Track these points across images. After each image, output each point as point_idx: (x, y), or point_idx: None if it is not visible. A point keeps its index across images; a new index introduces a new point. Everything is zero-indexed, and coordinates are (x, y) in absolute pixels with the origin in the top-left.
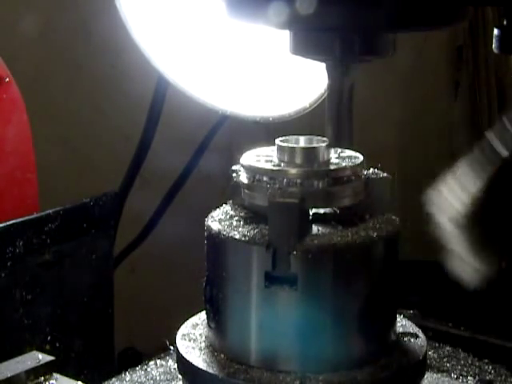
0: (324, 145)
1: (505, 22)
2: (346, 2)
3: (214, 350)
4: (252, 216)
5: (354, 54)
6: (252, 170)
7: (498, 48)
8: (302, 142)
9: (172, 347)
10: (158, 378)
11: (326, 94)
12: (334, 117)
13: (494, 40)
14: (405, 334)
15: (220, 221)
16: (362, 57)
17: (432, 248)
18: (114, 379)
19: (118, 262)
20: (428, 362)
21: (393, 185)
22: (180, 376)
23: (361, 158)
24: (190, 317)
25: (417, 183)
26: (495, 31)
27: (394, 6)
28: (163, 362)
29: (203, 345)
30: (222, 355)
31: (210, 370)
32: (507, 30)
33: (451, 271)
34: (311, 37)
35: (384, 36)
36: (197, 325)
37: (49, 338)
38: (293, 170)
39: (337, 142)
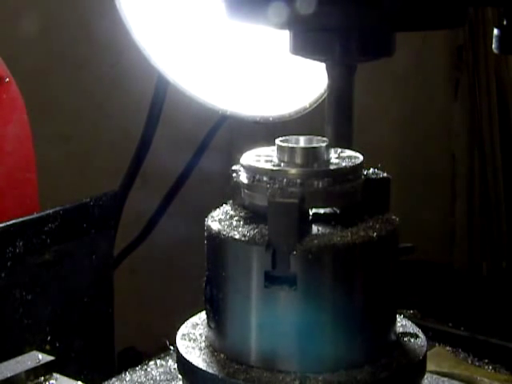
0: (324, 145)
1: (505, 22)
2: (346, 3)
3: (213, 349)
4: (252, 216)
5: (354, 54)
6: (252, 170)
7: (497, 48)
8: (302, 142)
9: (172, 347)
10: (157, 378)
11: (325, 94)
12: (334, 117)
13: (493, 40)
14: (405, 333)
15: (220, 221)
16: (361, 57)
17: (432, 248)
18: (113, 379)
19: (117, 261)
20: None
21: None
22: (180, 376)
23: (361, 158)
24: (190, 317)
25: (417, 183)
26: (495, 31)
27: (393, 7)
28: (163, 362)
29: (203, 345)
30: (222, 355)
31: (210, 370)
32: (507, 30)
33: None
34: (311, 37)
35: (384, 36)
36: (197, 325)
37: (49, 338)
38: (293, 170)
39: (337, 142)
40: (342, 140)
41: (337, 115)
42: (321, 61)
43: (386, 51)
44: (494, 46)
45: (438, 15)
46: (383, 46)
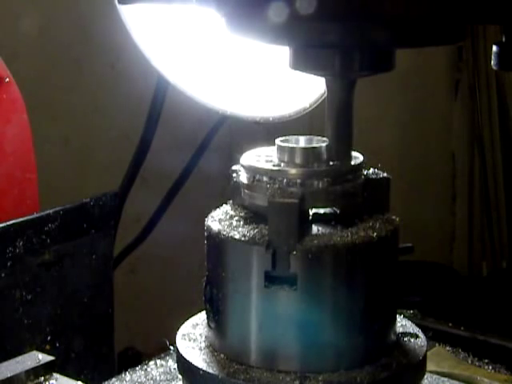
0: (324, 145)
1: (503, 39)
2: (346, 20)
3: (213, 350)
4: (252, 216)
5: (354, 70)
6: (252, 170)
7: (497, 65)
8: (302, 142)
9: (172, 347)
10: (157, 378)
11: (325, 95)
12: (334, 131)
13: (492, 57)
14: (405, 334)
15: (220, 221)
16: (361, 72)
17: (432, 248)
18: (114, 379)
19: (117, 262)
20: None
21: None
22: (180, 376)
23: (361, 158)
24: (190, 317)
25: (417, 183)
26: (494, 48)
27: (393, 24)
28: (163, 362)
29: (203, 345)
30: (222, 355)
31: (210, 370)
32: (506, 47)
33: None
34: (311, 53)
35: (384, 52)
36: (197, 325)
37: (49, 338)
38: (293, 170)
39: (336, 154)
40: (342, 153)
41: (336, 129)
42: (321, 76)
43: (385, 66)
44: (493, 62)
45: (438, 32)
46: (383, 61)
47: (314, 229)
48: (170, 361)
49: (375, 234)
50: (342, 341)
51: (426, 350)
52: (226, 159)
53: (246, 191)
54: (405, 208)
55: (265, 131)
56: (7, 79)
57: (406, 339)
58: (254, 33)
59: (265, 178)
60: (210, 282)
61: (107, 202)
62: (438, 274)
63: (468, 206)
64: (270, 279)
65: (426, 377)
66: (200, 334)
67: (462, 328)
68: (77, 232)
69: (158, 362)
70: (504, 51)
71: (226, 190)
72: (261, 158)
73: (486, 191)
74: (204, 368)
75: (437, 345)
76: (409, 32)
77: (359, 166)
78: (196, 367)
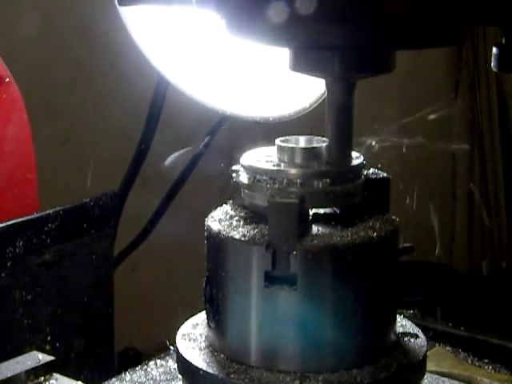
0: (324, 145)
1: (503, 41)
2: (346, 21)
3: (213, 350)
4: (252, 216)
5: (353, 71)
6: (252, 170)
7: (496, 66)
8: (302, 142)
9: (172, 347)
10: (157, 378)
11: (325, 95)
12: (334, 132)
13: (492, 58)
14: (405, 334)
15: (220, 221)
16: (360, 74)
17: (432, 248)
18: (114, 379)
19: (117, 261)
20: None
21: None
22: (180, 376)
23: (361, 158)
24: (190, 317)
25: (417, 183)
26: (494, 50)
27: (393, 25)
28: (163, 362)
29: (203, 345)
30: (222, 355)
31: (210, 370)
32: (506, 49)
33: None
34: (310, 55)
35: (383, 53)
36: (197, 325)
37: (49, 338)
38: (293, 170)
39: (337, 156)
40: (342, 153)
41: (337, 130)
42: (320, 77)
43: (385, 68)
44: (492, 64)
45: (438, 34)
46: (383, 62)
47: (314, 229)
48: (170, 361)
49: (375, 234)
50: (342, 341)
51: (426, 350)
52: (226, 159)
53: (246, 191)
54: (405, 208)
55: (265, 131)
56: (7, 79)
57: (406, 339)
58: (253, 34)
59: (265, 178)
60: (210, 282)
61: (107, 202)
62: (438, 273)
63: (468, 206)
64: (270, 279)
65: (426, 377)
66: (200, 334)
67: (462, 328)
68: (77, 232)
69: (158, 361)
70: (504, 53)
71: (226, 190)
72: (261, 158)
73: (486, 191)
74: (204, 368)
75: (437, 345)
76: (408, 34)
77: (359, 166)
78: (196, 367)
